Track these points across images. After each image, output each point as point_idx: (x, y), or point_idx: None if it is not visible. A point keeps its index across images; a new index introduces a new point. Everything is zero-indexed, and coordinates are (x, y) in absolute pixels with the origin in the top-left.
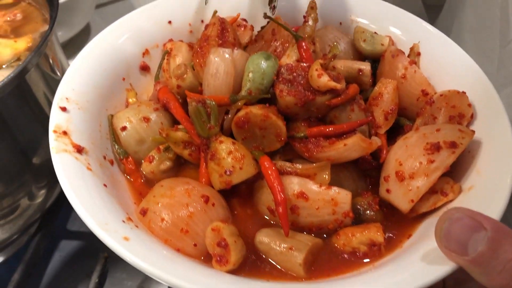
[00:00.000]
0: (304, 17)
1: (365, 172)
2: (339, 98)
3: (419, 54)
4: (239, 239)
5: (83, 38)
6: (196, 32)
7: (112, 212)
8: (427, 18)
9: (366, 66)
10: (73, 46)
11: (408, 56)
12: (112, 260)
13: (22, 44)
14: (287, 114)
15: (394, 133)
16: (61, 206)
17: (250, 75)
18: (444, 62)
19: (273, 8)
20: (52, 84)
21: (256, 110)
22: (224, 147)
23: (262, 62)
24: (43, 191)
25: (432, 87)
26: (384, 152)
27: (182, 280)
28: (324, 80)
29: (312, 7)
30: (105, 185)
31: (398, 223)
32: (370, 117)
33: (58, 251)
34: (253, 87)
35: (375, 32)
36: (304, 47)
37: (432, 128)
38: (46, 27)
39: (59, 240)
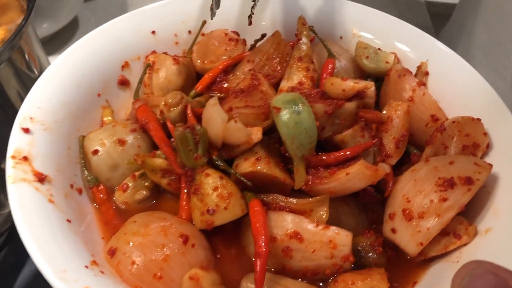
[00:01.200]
0: (296, 35)
1: (367, 207)
2: (372, 112)
3: (427, 73)
4: None
5: (70, 32)
6: (183, 44)
7: (74, 255)
8: (432, 28)
9: (370, 86)
10: (59, 40)
11: (415, 75)
12: None
13: None
14: None
15: (399, 162)
16: None
17: (296, 142)
18: (455, 83)
19: (250, 19)
20: (28, 82)
21: (264, 170)
22: (210, 181)
23: (299, 119)
24: None
25: (443, 112)
26: (390, 184)
27: None
28: (350, 83)
29: (303, 23)
30: (68, 221)
31: (402, 268)
32: (376, 140)
33: (28, 266)
34: (303, 152)
35: (379, 48)
36: (330, 67)
37: (445, 160)
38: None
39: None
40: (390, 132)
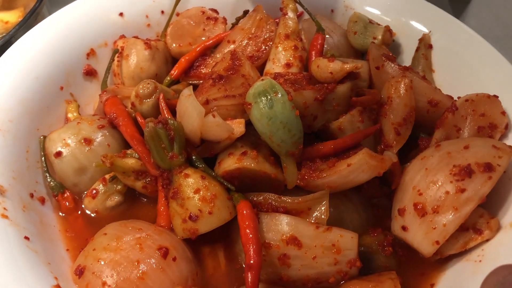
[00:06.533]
0: (281, 9)
1: (371, 201)
2: (368, 92)
3: (430, 46)
4: None
5: None
6: (155, 26)
7: (33, 280)
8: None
9: (361, 66)
10: None
11: (417, 49)
12: None
13: (13, 17)
14: (303, 117)
15: (404, 147)
16: None
17: (275, 139)
18: (468, 58)
19: None
20: None
21: (251, 165)
22: (191, 183)
23: (272, 114)
24: None
25: (440, 92)
26: (397, 175)
27: None
28: (339, 64)
29: None
30: (26, 238)
31: (416, 269)
32: (379, 124)
33: None
34: (287, 148)
35: (370, 21)
36: (319, 44)
37: (458, 144)
38: None
39: None
40: (388, 117)
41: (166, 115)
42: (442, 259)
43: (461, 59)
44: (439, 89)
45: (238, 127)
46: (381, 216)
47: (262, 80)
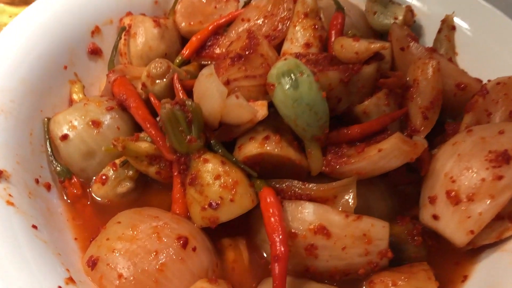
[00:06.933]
0: None
1: (396, 188)
2: (393, 74)
3: (453, 28)
4: None
5: None
6: (163, 3)
7: (44, 274)
8: None
9: (387, 47)
10: None
11: (439, 31)
12: None
13: None
14: (327, 100)
15: (430, 132)
16: None
17: (300, 123)
18: (498, 40)
19: None
20: None
21: (275, 150)
22: (210, 169)
23: (298, 95)
24: None
25: (468, 76)
26: (427, 161)
27: None
28: (365, 44)
29: None
30: (34, 227)
31: (446, 259)
32: (406, 108)
33: None
34: (313, 133)
35: (391, 1)
36: (339, 23)
37: (492, 129)
38: None
39: None
40: (415, 100)
41: (182, 97)
42: (474, 250)
43: (486, 41)
44: (466, 72)
45: (261, 109)
46: (407, 205)
47: (285, 59)
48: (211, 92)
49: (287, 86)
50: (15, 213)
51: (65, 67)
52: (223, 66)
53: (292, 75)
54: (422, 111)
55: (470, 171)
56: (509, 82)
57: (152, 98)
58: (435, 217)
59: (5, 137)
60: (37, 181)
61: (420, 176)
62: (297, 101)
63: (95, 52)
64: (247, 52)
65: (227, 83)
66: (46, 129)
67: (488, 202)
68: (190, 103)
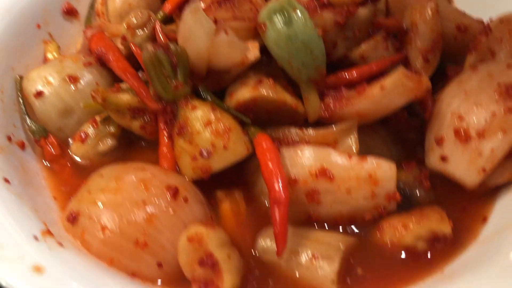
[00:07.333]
0: None
1: (399, 135)
2: (390, 18)
3: None
4: (233, 250)
5: None
6: None
7: (17, 224)
8: None
9: None
10: None
11: None
12: None
13: None
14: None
15: (431, 78)
16: None
17: (295, 62)
18: None
19: None
20: None
21: (269, 94)
22: (200, 115)
23: (292, 32)
24: None
25: (469, 17)
26: (430, 103)
27: None
28: None
29: None
30: (6, 181)
31: (457, 204)
32: (404, 52)
33: None
34: (309, 74)
35: None
36: None
37: (499, 65)
38: None
39: None
40: (414, 43)
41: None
42: (487, 192)
43: None
44: (466, 13)
45: (252, 50)
46: (411, 151)
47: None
48: (197, 30)
49: (280, 24)
50: None
51: (38, 26)
52: (210, 8)
53: (284, 11)
54: (422, 53)
55: (479, 106)
56: None
57: (133, 46)
58: (444, 158)
59: None
60: (9, 138)
61: (423, 121)
62: (291, 38)
63: (70, 13)
64: None
65: (214, 22)
66: (18, 87)
67: (500, 137)
68: (174, 46)
